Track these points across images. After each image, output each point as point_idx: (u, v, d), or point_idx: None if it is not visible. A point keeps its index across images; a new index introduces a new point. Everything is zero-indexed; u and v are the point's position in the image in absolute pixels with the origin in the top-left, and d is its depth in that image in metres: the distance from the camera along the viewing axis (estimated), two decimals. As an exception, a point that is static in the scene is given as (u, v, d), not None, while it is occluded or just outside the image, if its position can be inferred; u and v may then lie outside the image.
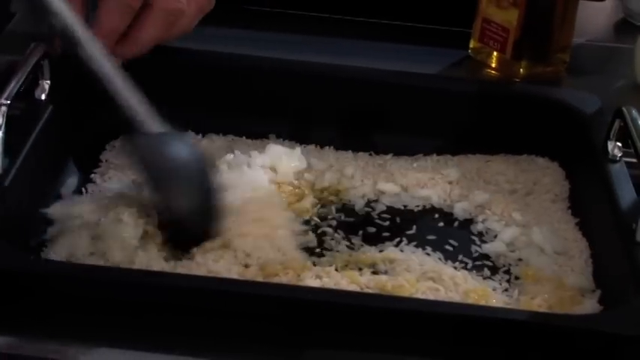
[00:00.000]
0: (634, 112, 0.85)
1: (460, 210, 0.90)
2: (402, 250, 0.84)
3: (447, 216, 0.89)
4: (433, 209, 0.90)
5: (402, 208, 0.90)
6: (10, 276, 0.72)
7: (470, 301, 0.77)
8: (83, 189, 0.88)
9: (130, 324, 0.71)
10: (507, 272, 0.83)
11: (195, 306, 0.72)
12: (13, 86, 0.81)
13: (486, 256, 0.84)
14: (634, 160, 0.84)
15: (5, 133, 0.79)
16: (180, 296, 0.72)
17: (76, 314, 0.72)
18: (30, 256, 0.77)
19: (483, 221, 0.89)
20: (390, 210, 0.89)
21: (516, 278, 0.82)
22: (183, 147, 0.81)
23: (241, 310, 0.72)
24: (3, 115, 0.79)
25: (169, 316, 0.72)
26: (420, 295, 0.77)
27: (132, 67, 0.81)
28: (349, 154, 0.95)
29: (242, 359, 0.71)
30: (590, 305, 0.78)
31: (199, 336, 0.71)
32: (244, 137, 0.95)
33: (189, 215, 0.80)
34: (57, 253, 0.79)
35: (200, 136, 0.96)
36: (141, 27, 0.74)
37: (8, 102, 0.80)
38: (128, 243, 0.79)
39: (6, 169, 0.79)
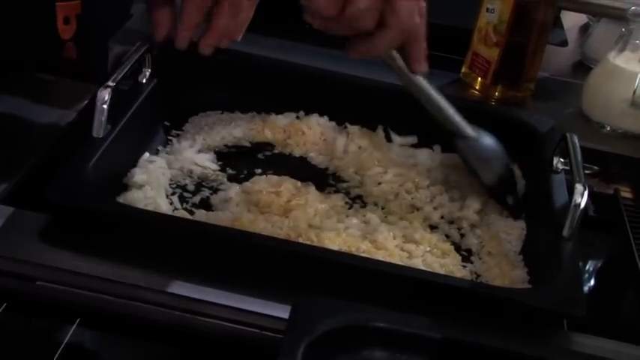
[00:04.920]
0: (574, 137, 0.82)
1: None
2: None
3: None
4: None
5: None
6: (92, 215, 0.71)
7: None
8: (166, 149, 0.86)
9: (174, 258, 0.69)
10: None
11: (216, 246, 0.70)
12: (118, 73, 0.79)
13: (459, 227, 0.82)
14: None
15: (110, 106, 0.76)
16: (206, 239, 0.70)
17: (136, 249, 0.69)
18: (113, 200, 0.76)
19: (458, 200, 0.85)
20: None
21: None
22: (491, 138, 0.85)
23: (253, 255, 0.69)
24: (109, 94, 0.76)
25: (202, 255, 0.69)
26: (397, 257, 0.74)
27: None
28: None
29: (252, 293, 0.67)
30: (521, 278, 0.75)
31: (224, 273, 0.68)
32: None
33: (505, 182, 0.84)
34: (129, 199, 0.77)
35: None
36: (215, 17, 0.73)
37: (114, 84, 0.77)
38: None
39: (108, 133, 0.77)
